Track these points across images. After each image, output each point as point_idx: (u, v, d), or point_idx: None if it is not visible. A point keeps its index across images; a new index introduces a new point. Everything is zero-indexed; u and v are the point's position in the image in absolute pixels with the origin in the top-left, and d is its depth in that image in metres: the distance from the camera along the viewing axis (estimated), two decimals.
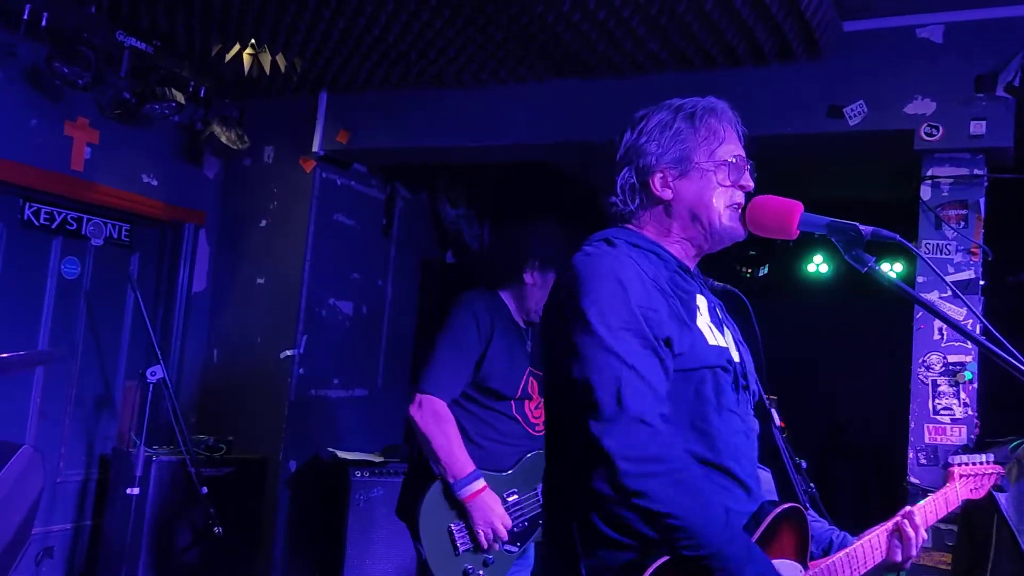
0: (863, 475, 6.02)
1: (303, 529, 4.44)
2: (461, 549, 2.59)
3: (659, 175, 1.57)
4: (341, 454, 4.28)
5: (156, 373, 3.62)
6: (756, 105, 3.47)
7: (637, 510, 1.33)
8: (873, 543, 1.64)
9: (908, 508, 1.71)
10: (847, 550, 1.60)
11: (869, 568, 1.63)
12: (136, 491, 3.61)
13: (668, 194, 1.57)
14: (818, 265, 6.08)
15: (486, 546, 2.60)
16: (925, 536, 1.68)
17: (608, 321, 1.38)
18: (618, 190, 1.59)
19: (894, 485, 3.26)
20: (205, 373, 4.60)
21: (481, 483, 2.58)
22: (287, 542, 4.38)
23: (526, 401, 2.78)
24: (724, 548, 1.32)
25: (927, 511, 1.77)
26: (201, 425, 4.51)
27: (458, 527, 2.60)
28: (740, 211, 1.58)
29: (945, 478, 1.98)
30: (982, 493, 2.09)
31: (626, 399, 1.34)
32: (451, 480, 2.57)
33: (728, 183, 1.57)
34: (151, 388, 3.63)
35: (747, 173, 1.60)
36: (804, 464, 1.97)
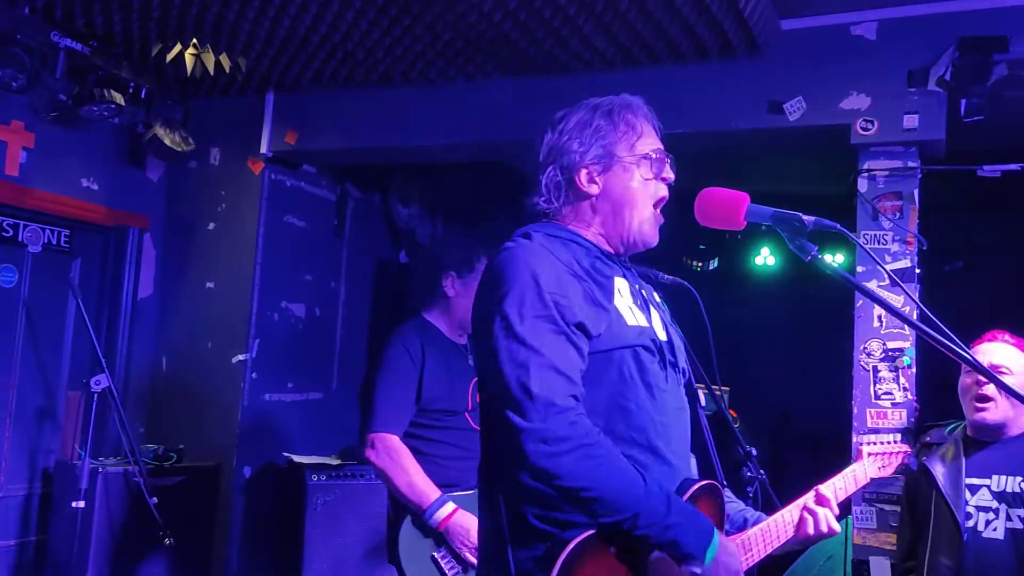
0: (813, 461, 6.17)
1: (260, 536, 4.38)
2: (450, 574, 2.59)
3: (584, 171, 1.62)
4: (297, 458, 4.24)
5: (101, 382, 3.53)
6: (700, 101, 3.54)
7: (554, 490, 1.38)
8: (786, 519, 1.72)
9: (816, 486, 1.79)
10: (761, 525, 1.67)
11: (783, 542, 1.70)
12: (82, 504, 3.51)
13: (595, 188, 1.63)
14: (765, 258, 6.21)
15: (475, 563, 2.59)
16: (836, 511, 1.75)
17: (521, 311, 1.44)
18: (543, 189, 1.65)
19: (841, 469, 3.35)
20: (153, 381, 4.50)
21: (451, 506, 2.58)
22: (243, 550, 4.31)
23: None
24: (640, 508, 1.38)
25: (836, 487, 1.85)
26: (150, 434, 4.41)
27: (441, 553, 2.60)
28: (658, 219, 1.66)
29: (854, 456, 2.07)
30: (890, 471, 2.18)
31: (535, 385, 1.39)
32: (421, 511, 2.57)
33: (651, 175, 1.64)
34: (96, 398, 3.53)
35: (667, 165, 1.66)
36: (755, 452, 2.02)
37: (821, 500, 1.74)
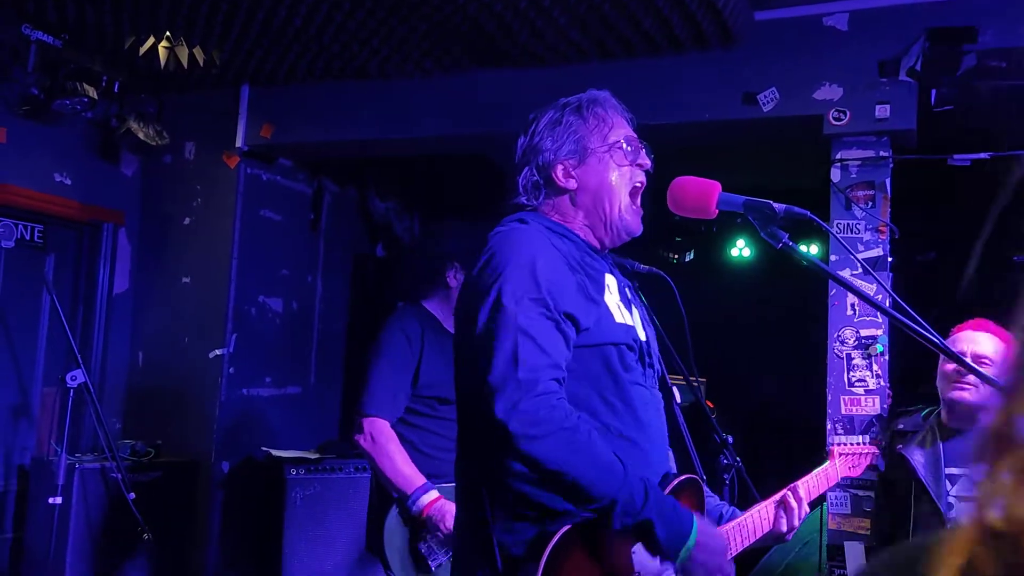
0: (789, 447, 6.24)
1: (239, 531, 4.36)
2: (433, 566, 2.57)
3: (560, 167, 1.64)
4: (275, 453, 4.22)
5: (76, 378, 3.50)
6: (675, 92, 3.57)
7: (535, 473, 1.39)
8: (762, 514, 1.74)
9: (793, 484, 1.82)
10: (737, 520, 1.69)
11: (758, 537, 1.73)
12: (59, 500, 3.49)
13: (572, 183, 1.64)
14: (741, 249, 6.25)
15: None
16: (807, 509, 1.79)
17: (515, 292, 1.44)
18: (521, 189, 1.66)
19: (816, 455, 3.39)
20: (130, 376, 4.47)
21: (434, 494, 2.56)
22: (222, 545, 4.30)
23: None
24: (618, 494, 1.39)
25: (810, 486, 1.88)
26: (127, 430, 4.39)
27: (426, 546, 2.58)
28: (639, 205, 1.67)
29: (825, 456, 2.12)
30: (859, 471, 2.26)
31: (520, 366, 1.39)
32: (405, 497, 2.55)
33: (626, 163, 1.65)
34: (71, 394, 3.51)
35: (643, 152, 1.68)
36: (731, 439, 2.05)
37: (796, 498, 1.77)
